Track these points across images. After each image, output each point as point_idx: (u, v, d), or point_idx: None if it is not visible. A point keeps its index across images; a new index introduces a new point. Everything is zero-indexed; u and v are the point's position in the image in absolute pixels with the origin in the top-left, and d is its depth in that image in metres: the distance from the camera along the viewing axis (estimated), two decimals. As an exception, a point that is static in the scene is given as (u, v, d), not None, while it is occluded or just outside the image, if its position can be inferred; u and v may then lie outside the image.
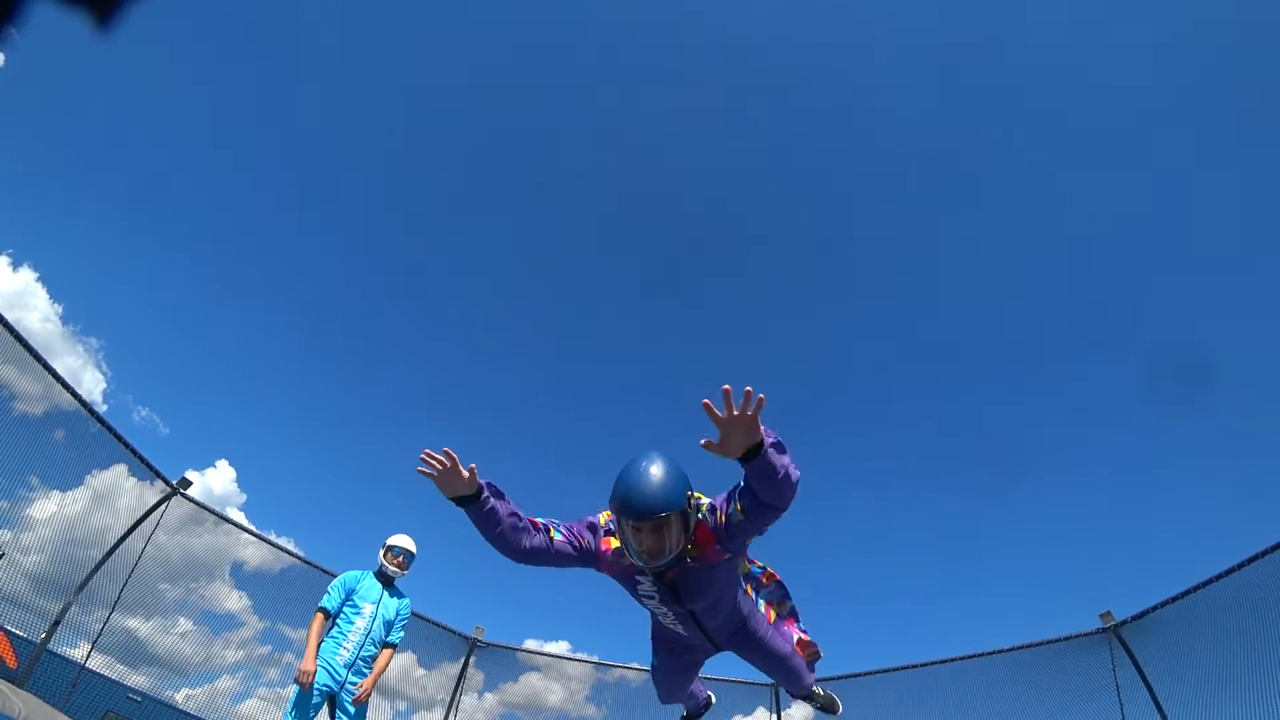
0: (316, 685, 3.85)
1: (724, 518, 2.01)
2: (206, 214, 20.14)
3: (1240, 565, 4.53)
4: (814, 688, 3.01)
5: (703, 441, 1.80)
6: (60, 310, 16.60)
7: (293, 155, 20.87)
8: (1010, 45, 15.83)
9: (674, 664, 2.77)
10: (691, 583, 2.14)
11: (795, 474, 1.90)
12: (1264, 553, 4.41)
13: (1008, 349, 19.08)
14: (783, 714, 6.72)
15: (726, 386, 1.69)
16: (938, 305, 20.26)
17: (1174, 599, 4.93)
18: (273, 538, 6.95)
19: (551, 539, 2.11)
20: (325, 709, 4.01)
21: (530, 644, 7.79)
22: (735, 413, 1.71)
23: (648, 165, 21.05)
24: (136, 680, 6.10)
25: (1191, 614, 4.86)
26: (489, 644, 7.37)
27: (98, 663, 5.82)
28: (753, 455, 1.79)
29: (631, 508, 1.92)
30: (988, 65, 16.51)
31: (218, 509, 6.62)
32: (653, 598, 2.21)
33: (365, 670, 4.09)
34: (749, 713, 6.91)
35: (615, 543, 2.13)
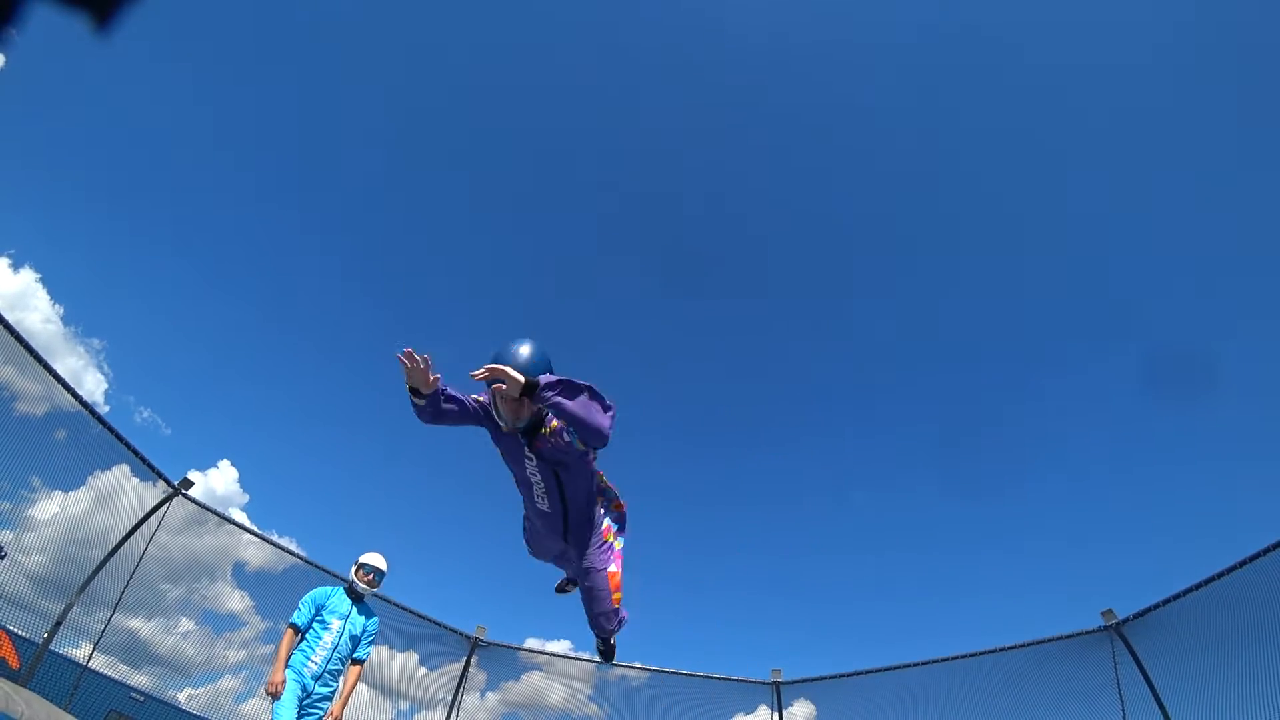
0: (292, 699, 4.00)
1: (566, 436, 2.54)
2: (208, 214, 20.16)
3: (1242, 563, 4.53)
4: (612, 634, 3.19)
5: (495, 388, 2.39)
6: (61, 311, 16.61)
7: (294, 155, 20.89)
8: (1013, 39, 15.83)
9: (541, 552, 3.13)
10: (553, 452, 2.64)
11: (579, 416, 2.37)
12: (1265, 550, 4.41)
13: (1008, 345, 19.08)
14: (784, 713, 6.72)
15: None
16: (937, 302, 20.27)
17: (1176, 597, 4.93)
18: (275, 538, 6.96)
19: (465, 405, 2.64)
20: None
21: (532, 643, 7.81)
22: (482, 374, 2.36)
23: (645, 164, 21.05)
24: (139, 680, 6.12)
25: (1193, 612, 4.86)
26: (491, 643, 7.37)
27: (100, 663, 5.83)
28: (530, 391, 2.35)
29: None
30: (988, 60, 16.51)
31: (220, 509, 6.64)
32: (531, 460, 2.66)
33: (331, 683, 4.21)
34: (751, 710, 6.92)
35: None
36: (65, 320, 16.51)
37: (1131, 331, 16.71)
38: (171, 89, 17.69)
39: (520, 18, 17.72)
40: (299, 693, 4.04)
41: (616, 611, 3.02)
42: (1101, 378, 17.20)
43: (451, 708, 6.93)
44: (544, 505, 2.80)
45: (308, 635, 4.24)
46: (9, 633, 5.38)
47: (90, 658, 5.74)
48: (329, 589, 4.46)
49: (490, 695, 7.36)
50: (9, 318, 4.90)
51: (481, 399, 2.64)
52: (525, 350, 2.44)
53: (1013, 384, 18.80)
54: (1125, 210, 16.34)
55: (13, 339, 4.98)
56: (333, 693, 4.21)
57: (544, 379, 2.36)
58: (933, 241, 19.40)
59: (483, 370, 2.35)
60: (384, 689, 6.97)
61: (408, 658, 7.11)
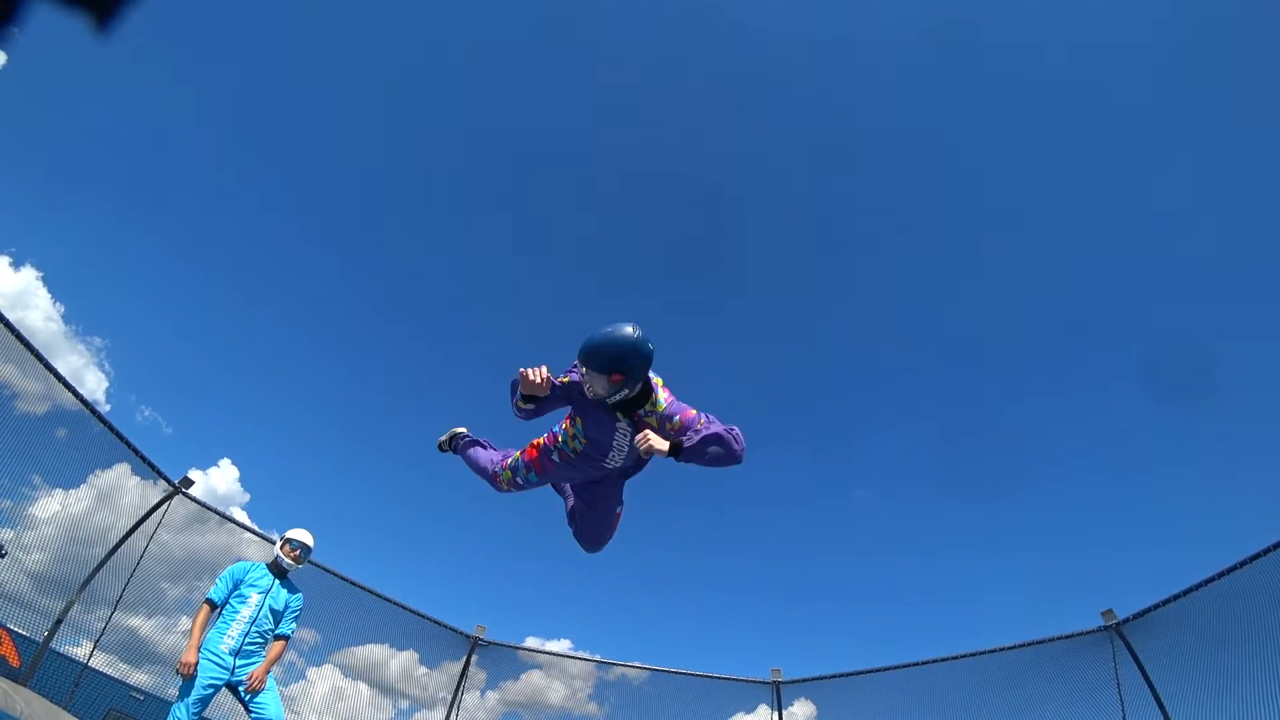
0: (205, 678, 3.89)
1: (692, 442, 2.54)
2: (209, 213, 20.17)
3: (1242, 563, 4.53)
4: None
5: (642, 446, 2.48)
6: (62, 310, 16.64)
7: (294, 154, 20.89)
8: (1014, 41, 15.81)
9: (546, 484, 3.24)
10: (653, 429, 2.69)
11: (723, 453, 2.50)
12: (1265, 551, 4.41)
13: (1008, 347, 19.07)
14: (784, 713, 6.72)
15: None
16: (938, 303, 20.26)
17: (1175, 597, 4.93)
18: (275, 537, 6.94)
19: (555, 391, 2.72)
20: (239, 703, 4.05)
21: (532, 642, 7.82)
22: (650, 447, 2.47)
23: (642, 161, 21.04)
24: (139, 679, 6.12)
25: (1193, 612, 4.86)
26: (490, 643, 7.37)
27: (100, 661, 5.83)
28: (675, 454, 2.51)
29: (588, 359, 2.53)
30: (990, 60, 16.48)
31: (221, 508, 6.65)
32: (625, 433, 2.72)
33: (254, 655, 4.12)
34: (751, 710, 6.92)
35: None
36: (66, 319, 16.54)
37: (1131, 332, 16.70)
38: (172, 88, 17.69)
39: (518, 17, 17.71)
40: (213, 677, 3.92)
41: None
42: (1101, 377, 17.19)
43: (451, 707, 6.94)
44: (611, 463, 2.86)
45: (225, 610, 4.16)
46: (9, 631, 5.39)
47: (90, 656, 5.75)
48: (249, 563, 4.40)
49: (490, 694, 7.36)
50: (10, 316, 4.90)
51: (568, 379, 2.69)
52: (634, 342, 2.47)
53: (1013, 384, 18.79)
54: (1126, 210, 16.32)
55: (13, 338, 4.98)
56: (255, 665, 4.11)
57: (687, 442, 2.48)
58: (933, 239, 19.38)
59: (645, 446, 2.46)
60: (384, 688, 6.98)
61: (407, 657, 7.12)
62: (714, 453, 2.48)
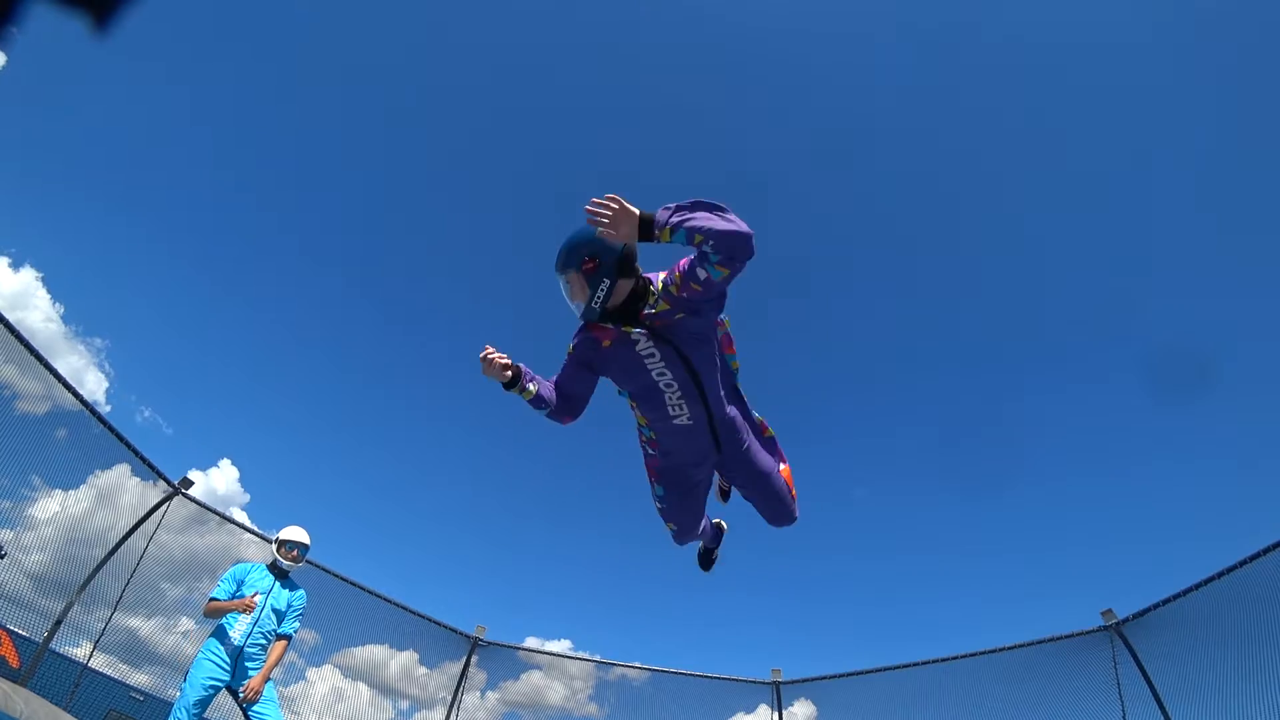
0: (206, 678, 3.92)
1: (678, 275, 2.17)
2: (209, 214, 20.17)
3: (1242, 563, 4.53)
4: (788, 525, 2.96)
5: (599, 232, 2.04)
6: (62, 310, 16.66)
7: (294, 156, 20.90)
8: (1014, 41, 15.81)
9: (680, 489, 2.71)
10: (676, 330, 2.27)
11: (718, 226, 1.96)
12: (1265, 550, 4.41)
13: (1009, 347, 19.08)
14: (784, 713, 6.72)
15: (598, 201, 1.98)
16: (938, 302, 20.26)
17: (1176, 597, 4.93)
18: (273, 538, 6.95)
19: (574, 392, 2.42)
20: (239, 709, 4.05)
21: (532, 642, 7.82)
22: (604, 219, 1.99)
23: (642, 159, 21.03)
24: (139, 679, 6.12)
25: (1193, 611, 4.86)
26: (490, 643, 7.38)
27: (100, 662, 5.83)
28: (648, 234, 1.99)
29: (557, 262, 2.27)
30: (989, 60, 16.48)
31: (221, 509, 6.65)
32: (652, 354, 2.28)
33: (257, 656, 4.13)
34: (751, 710, 6.92)
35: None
36: (65, 319, 16.56)
37: (1131, 331, 16.70)
38: (171, 89, 17.68)
39: (520, 17, 17.71)
40: (215, 677, 3.96)
41: (794, 508, 2.83)
42: (1102, 377, 17.19)
43: (451, 707, 6.94)
44: (683, 416, 2.39)
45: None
46: (9, 632, 5.38)
47: (90, 657, 5.74)
48: (250, 564, 4.40)
49: (490, 695, 7.36)
50: (9, 317, 4.90)
51: (573, 345, 2.40)
52: (583, 240, 2.18)
53: (1013, 383, 18.79)
54: (1126, 210, 16.32)
55: (13, 338, 4.98)
56: (258, 667, 4.13)
57: (661, 210, 1.99)
58: (932, 240, 19.38)
59: (607, 203, 1.98)
60: (384, 688, 6.98)
61: (407, 657, 7.12)
62: (702, 217, 1.97)
